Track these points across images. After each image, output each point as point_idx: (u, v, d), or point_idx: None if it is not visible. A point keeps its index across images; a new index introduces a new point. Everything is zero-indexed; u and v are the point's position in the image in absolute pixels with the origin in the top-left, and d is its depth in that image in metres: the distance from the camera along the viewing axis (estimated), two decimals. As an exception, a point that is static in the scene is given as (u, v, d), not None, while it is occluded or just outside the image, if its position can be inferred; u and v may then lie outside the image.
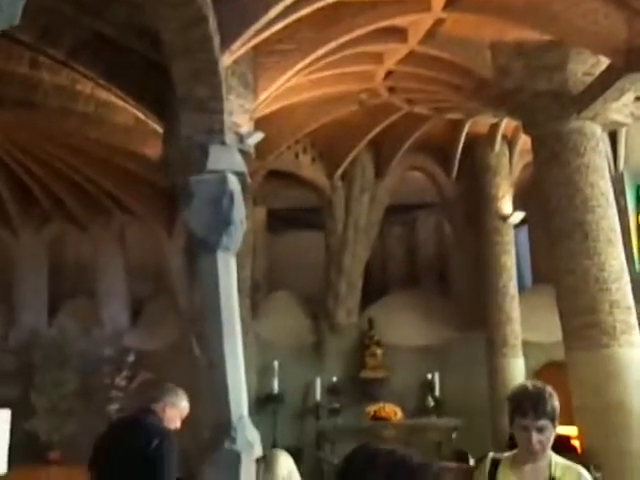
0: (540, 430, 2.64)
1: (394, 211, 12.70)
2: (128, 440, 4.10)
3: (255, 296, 12.35)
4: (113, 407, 11.14)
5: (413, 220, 14.58)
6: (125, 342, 12.29)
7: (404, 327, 11.67)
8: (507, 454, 2.83)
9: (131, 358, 11.58)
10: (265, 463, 3.64)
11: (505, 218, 10.94)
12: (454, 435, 9.91)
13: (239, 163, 7.26)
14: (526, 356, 10.67)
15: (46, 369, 11.75)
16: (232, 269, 7.41)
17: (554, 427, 2.68)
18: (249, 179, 7.88)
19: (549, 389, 2.71)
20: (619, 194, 9.18)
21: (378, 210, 11.90)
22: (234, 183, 7.18)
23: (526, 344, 10.71)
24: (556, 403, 2.69)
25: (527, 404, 2.65)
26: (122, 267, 13.12)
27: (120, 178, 11.18)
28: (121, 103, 8.61)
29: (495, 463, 2.79)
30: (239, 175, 7.34)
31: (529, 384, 2.81)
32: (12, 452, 10.10)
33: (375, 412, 9.99)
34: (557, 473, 2.66)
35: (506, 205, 11.09)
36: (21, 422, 10.99)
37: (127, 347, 12.01)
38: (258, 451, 6.43)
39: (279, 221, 13.51)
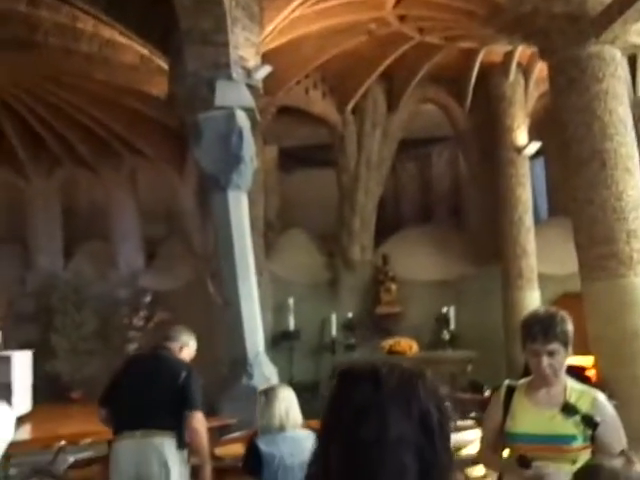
0: (551, 354, 2.60)
1: (407, 146, 12.51)
2: (156, 374, 4.17)
3: (268, 235, 12.35)
4: (131, 347, 11.30)
5: (427, 155, 14.37)
6: (141, 283, 12.38)
7: (418, 262, 11.64)
8: (522, 381, 2.81)
9: (147, 299, 11.68)
10: (266, 397, 3.66)
11: (520, 150, 10.74)
12: (469, 367, 9.98)
13: (247, 99, 7.11)
14: (541, 288, 10.64)
15: (64, 311, 11.91)
16: (244, 207, 7.36)
17: (566, 351, 2.63)
18: (258, 116, 7.74)
19: (562, 313, 2.66)
20: (637, 120, 8.92)
21: (390, 145, 11.71)
22: (243, 119, 7.06)
23: (542, 276, 10.68)
24: (568, 327, 2.63)
25: (537, 328, 2.60)
26: (135, 209, 13.11)
27: (129, 119, 11.05)
28: (125, 41, 8.42)
29: (511, 390, 2.77)
30: (248, 111, 7.20)
31: (541, 309, 2.76)
32: (36, 392, 10.34)
33: (390, 346, 10.06)
34: (572, 398, 2.63)
35: (521, 136, 10.86)
36: (43, 363, 11.21)
37: (143, 288, 12.11)
38: (275, 385, 6.48)
39: (291, 159, 13.37)
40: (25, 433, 8.65)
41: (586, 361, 7.26)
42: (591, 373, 7.27)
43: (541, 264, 10.74)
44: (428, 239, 12.08)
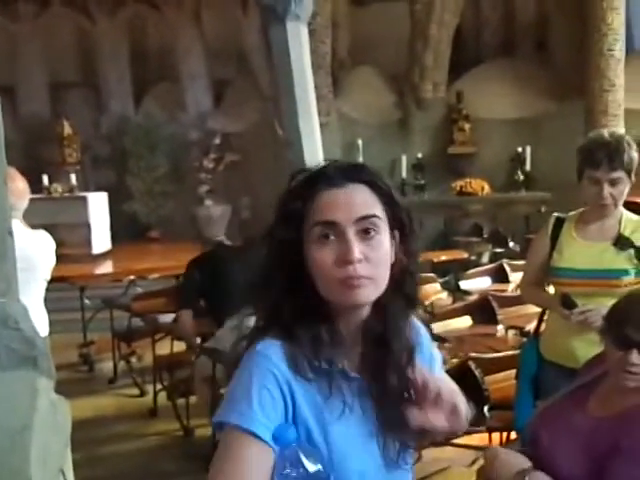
0: (613, 183, 2.35)
1: (488, -29, 11.45)
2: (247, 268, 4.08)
3: (338, 73, 11.89)
4: (203, 189, 11.49)
5: (510, -19, 13.16)
6: (210, 125, 12.33)
7: (495, 99, 11.00)
8: (572, 213, 2.58)
9: (217, 140, 11.65)
10: None
11: (615, -30, 9.61)
12: (543, 208, 9.64)
13: None
14: (627, 127, 9.93)
15: (138, 154, 12.11)
16: (304, 40, 6.95)
17: (630, 180, 2.37)
18: (318, -63, 7.14)
19: (628, 138, 2.37)
20: None
21: (469, -30, 10.73)
22: (301, -59, 6.50)
23: (629, 112, 9.93)
24: (635, 154, 2.35)
25: (602, 154, 2.33)
26: (202, 49, 12.81)
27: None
28: None
29: (559, 222, 2.56)
30: None
31: (605, 132, 2.47)
32: (117, 232, 10.84)
33: (461, 187, 9.79)
34: (627, 230, 2.41)
35: (617, -46, 9.68)
36: (121, 205, 11.63)
37: (212, 130, 12.06)
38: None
39: (362, -9, 12.56)
40: (102, 268, 9.16)
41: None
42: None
43: (629, 100, 9.96)
44: (507, 74, 11.32)
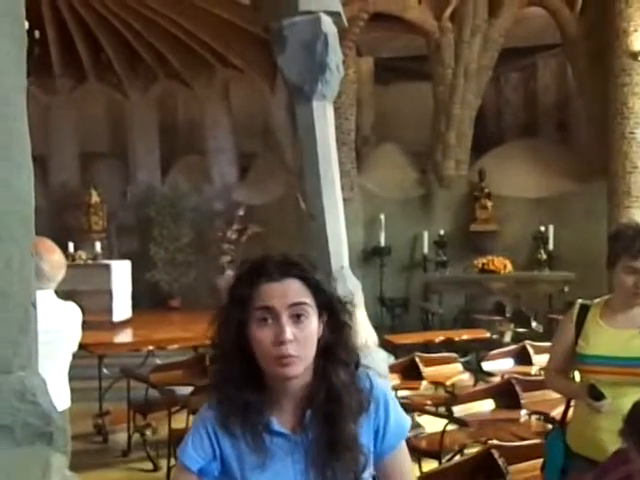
0: None
1: (510, 55, 11.73)
2: None
3: (362, 149, 12.10)
4: (225, 259, 11.57)
5: (532, 64, 13.47)
6: (234, 197, 12.53)
7: (518, 178, 11.08)
8: (597, 300, 2.54)
9: (240, 212, 11.81)
10: None
11: (635, 55, 9.78)
12: (566, 288, 9.55)
13: (333, 2, 6.75)
14: (651, 207, 9.91)
15: (162, 223, 12.29)
16: (329, 118, 7.12)
17: None
18: (345, 21, 7.39)
19: None
20: None
21: (491, 53, 11.00)
22: (328, 25, 6.72)
23: (652, 195, 9.92)
24: None
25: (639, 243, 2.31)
26: (229, 124, 13.17)
27: (219, 30, 10.91)
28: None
29: (584, 309, 2.52)
30: (334, 15, 6.86)
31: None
32: (138, 300, 10.89)
33: (484, 264, 9.74)
34: None
35: (637, 41, 9.89)
36: (143, 273, 11.72)
37: (236, 201, 12.26)
38: (360, 299, 6.44)
39: (386, 72, 12.91)
40: (122, 336, 9.16)
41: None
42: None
43: (652, 181, 9.96)
44: (529, 154, 11.45)
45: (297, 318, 1.37)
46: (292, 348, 1.35)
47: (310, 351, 1.39)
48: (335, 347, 1.43)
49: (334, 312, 1.44)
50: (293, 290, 1.39)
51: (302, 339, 1.37)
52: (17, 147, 1.62)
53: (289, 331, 1.35)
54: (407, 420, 1.53)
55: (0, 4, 1.57)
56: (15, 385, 1.66)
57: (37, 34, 9.76)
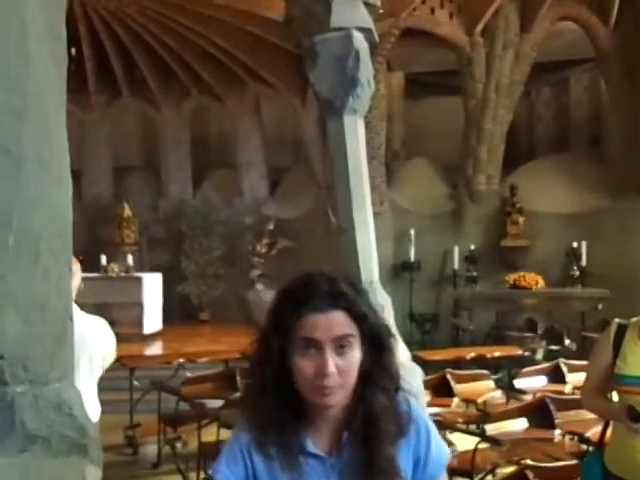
0: None
1: (542, 70, 11.64)
2: None
3: (392, 164, 12.09)
4: (255, 273, 11.62)
5: (564, 79, 13.35)
6: (264, 211, 12.60)
7: (549, 193, 10.96)
8: (635, 319, 2.49)
9: (270, 226, 11.87)
10: None
11: (671, 69, 9.67)
12: (600, 306, 9.39)
13: (365, 19, 6.79)
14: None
15: (193, 237, 12.40)
16: (360, 133, 7.13)
17: None
18: (377, 37, 7.42)
19: None
20: None
21: (523, 68, 10.94)
22: (360, 41, 6.75)
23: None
24: None
25: None
26: (260, 138, 13.28)
27: (251, 46, 11.02)
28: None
29: (622, 329, 2.47)
30: (365, 32, 6.89)
31: None
32: (168, 313, 10.98)
33: (515, 280, 9.64)
34: None
35: (673, 54, 9.77)
36: (174, 286, 11.82)
37: (266, 216, 12.32)
38: (389, 314, 6.41)
39: (417, 86, 12.90)
40: (152, 349, 9.23)
41: None
42: None
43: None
44: (561, 169, 11.32)
45: (341, 349, 1.37)
46: (333, 380, 1.35)
47: (351, 380, 1.40)
48: (376, 372, 1.43)
49: (378, 339, 1.44)
50: (338, 322, 1.38)
51: (344, 370, 1.37)
52: (57, 163, 1.65)
53: (332, 364, 1.35)
54: (446, 448, 1.52)
55: (43, 24, 1.60)
56: (51, 397, 1.67)
57: (73, 51, 9.96)
